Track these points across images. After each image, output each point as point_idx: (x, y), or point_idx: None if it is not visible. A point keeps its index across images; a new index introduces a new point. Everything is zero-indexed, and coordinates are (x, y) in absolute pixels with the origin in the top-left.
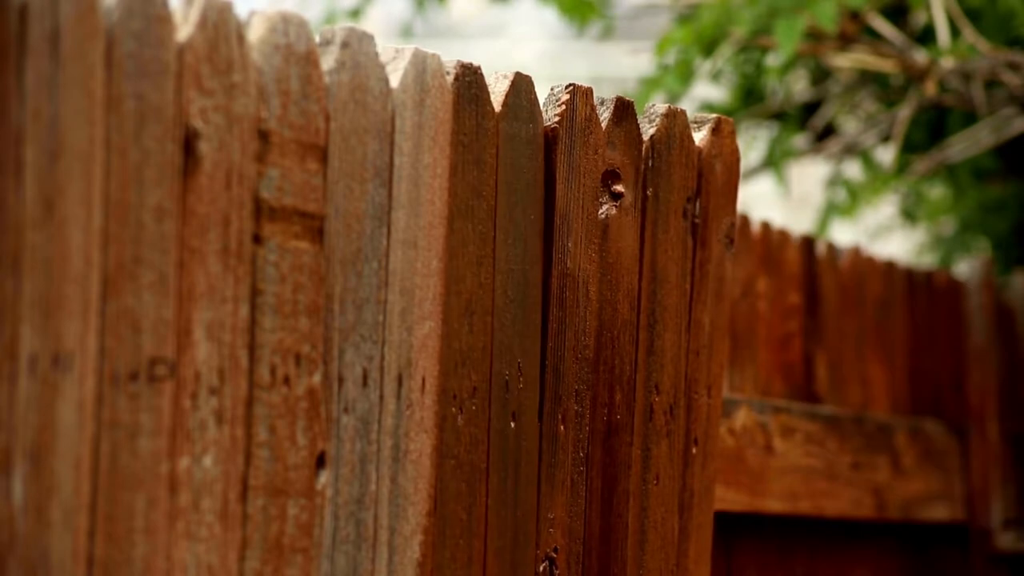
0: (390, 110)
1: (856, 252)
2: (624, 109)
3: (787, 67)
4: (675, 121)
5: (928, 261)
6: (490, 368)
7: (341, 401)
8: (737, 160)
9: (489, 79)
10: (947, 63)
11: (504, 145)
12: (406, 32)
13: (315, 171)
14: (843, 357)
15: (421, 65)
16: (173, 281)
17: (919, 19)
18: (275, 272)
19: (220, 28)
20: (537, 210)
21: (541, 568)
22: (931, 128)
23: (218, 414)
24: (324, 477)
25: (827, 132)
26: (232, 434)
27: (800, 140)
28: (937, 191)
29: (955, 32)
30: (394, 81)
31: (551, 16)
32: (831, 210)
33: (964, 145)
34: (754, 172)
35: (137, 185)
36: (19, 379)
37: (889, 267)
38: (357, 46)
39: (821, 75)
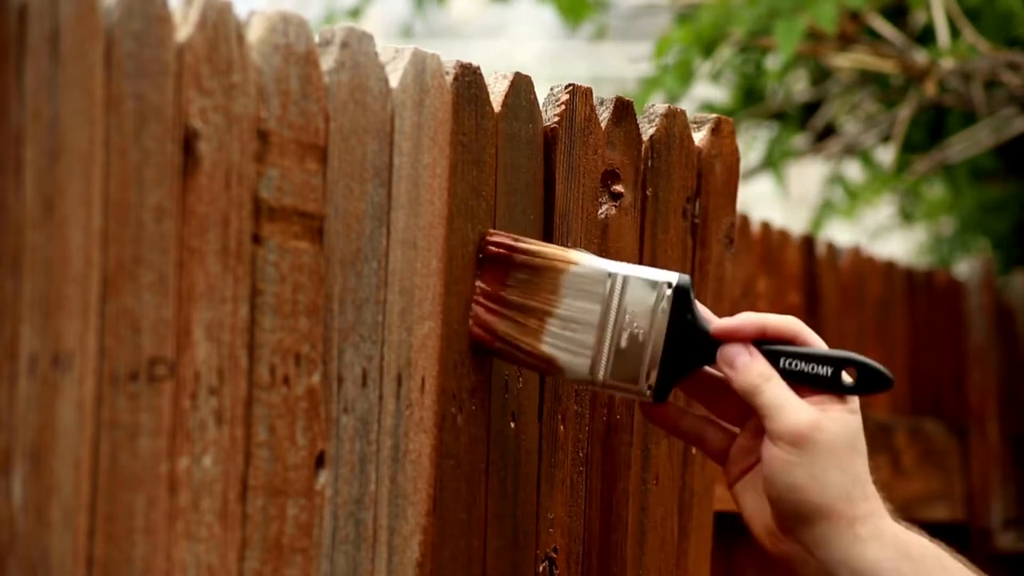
0: (389, 110)
1: (856, 252)
2: (623, 109)
3: (787, 68)
4: (675, 121)
5: (928, 261)
6: (490, 368)
7: (341, 401)
8: (737, 160)
9: (489, 79)
10: (947, 63)
11: (504, 145)
12: (406, 32)
13: (315, 171)
14: None
15: (421, 65)
16: (173, 281)
17: (919, 19)
18: (275, 272)
19: (220, 28)
20: (537, 210)
21: (541, 568)
22: (931, 128)
23: (218, 414)
24: (323, 477)
25: (827, 132)
26: (232, 434)
27: (800, 140)
28: (937, 191)
29: (955, 32)
30: (393, 81)
31: (551, 16)
32: (827, 208)
33: (964, 145)
34: (754, 172)
35: (137, 185)
36: (19, 379)
37: (889, 267)
38: (357, 46)
39: (821, 75)
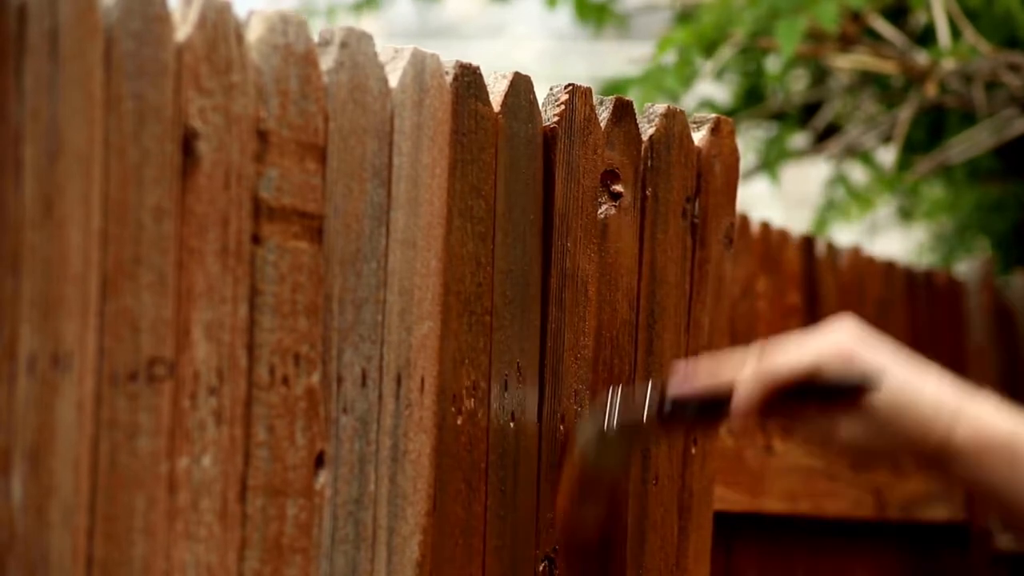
0: (389, 110)
1: (856, 252)
2: (623, 109)
3: (787, 68)
4: (674, 121)
5: (928, 261)
6: (489, 368)
7: (340, 401)
8: (737, 160)
9: (488, 79)
10: (948, 64)
11: (503, 145)
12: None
13: (314, 171)
14: None
15: (420, 65)
16: (172, 281)
17: (919, 20)
18: (274, 272)
19: (219, 28)
20: (536, 210)
21: (541, 568)
22: (931, 129)
23: (217, 414)
24: (323, 477)
25: (828, 133)
26: (231, 434)
27: (801, 140)
28: (936, 191)
29: (956, 33)
30: (393, 81)
31: (551, 16)
32: (830, 208)
33: (964, 146)
34: (753, 172)
35: (136, 185)
36: (18, 379)
37: (889, 267)
38: (356, 46)
39: (822, 76)
